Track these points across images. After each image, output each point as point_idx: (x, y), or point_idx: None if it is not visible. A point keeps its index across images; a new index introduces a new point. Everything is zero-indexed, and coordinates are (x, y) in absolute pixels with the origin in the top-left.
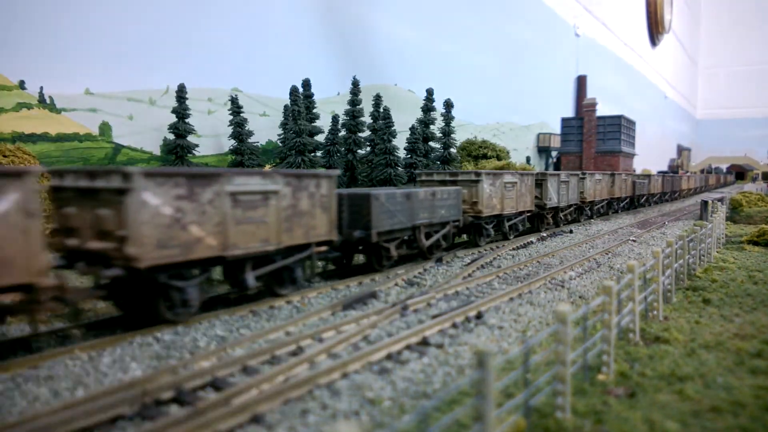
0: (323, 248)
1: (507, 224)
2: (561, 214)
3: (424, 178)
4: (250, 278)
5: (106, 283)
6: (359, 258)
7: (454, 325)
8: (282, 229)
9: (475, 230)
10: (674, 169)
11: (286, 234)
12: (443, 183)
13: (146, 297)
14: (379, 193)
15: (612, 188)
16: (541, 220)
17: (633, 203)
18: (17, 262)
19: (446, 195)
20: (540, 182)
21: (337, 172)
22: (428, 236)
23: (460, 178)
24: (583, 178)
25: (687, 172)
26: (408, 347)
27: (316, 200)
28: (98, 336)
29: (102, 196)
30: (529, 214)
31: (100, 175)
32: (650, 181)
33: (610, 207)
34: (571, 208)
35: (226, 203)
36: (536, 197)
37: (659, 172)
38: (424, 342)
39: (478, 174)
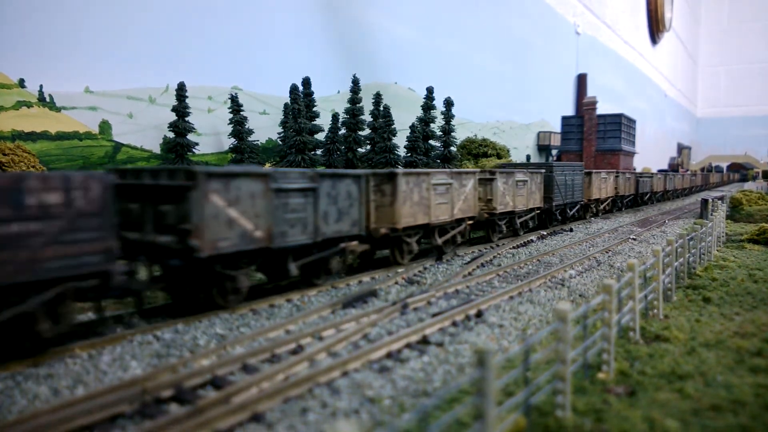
0: None
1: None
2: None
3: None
4: None
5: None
6: None
7: (454, 324)
8: None
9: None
10: (674, 167)
11: None
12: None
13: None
14: None
15: (682, 181)
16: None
17: (691, 191)
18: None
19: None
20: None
21: None
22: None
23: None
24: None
25: (687, 170)
26: (408, 346)
27: None
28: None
29: None
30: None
31: None
32: (696, 176)
33: (683, 193)
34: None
35: None
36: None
37: (660, 171)
38: (425, 340)
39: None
